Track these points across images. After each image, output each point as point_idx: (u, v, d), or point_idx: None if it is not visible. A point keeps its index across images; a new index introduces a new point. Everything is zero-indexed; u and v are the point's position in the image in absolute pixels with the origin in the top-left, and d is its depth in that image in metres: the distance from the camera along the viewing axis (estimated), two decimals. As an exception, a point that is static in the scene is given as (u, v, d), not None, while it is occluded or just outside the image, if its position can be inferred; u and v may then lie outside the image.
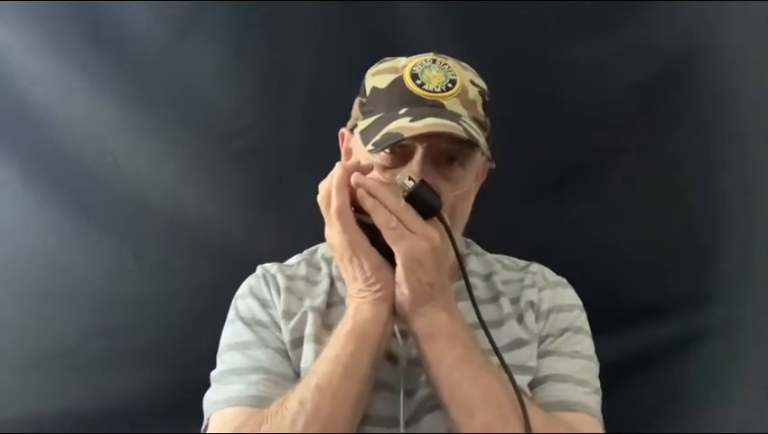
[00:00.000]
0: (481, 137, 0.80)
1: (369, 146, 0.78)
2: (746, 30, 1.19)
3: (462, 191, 0.84)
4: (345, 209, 0.74)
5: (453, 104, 0.82)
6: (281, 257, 1.00)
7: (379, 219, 0.73)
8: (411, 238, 0.73)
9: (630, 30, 1.20)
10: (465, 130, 0.77)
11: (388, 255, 0.76)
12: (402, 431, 0.79)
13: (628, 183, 1.22)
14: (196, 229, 1.21)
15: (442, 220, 0.76)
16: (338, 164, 0.77)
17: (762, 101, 1.19)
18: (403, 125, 0.77)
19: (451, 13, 1.18)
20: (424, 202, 0.75)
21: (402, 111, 0.80)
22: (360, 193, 0.74)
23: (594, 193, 1.22)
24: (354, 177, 0.75)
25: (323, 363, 0.75)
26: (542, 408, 0.79)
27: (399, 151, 0.81)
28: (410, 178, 0.75)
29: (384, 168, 0.82)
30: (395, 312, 0.78)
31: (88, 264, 1.20)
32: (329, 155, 0.96)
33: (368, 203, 0.74)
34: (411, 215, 0.74)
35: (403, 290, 0.75)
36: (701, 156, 1.21)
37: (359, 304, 0.77)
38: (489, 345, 0.77)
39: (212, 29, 1.19)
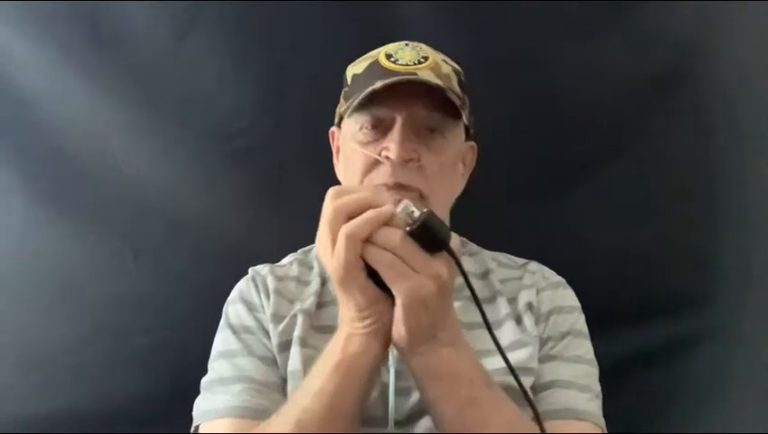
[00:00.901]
0: (456, 99, 0.82)
1: (347, 113, 0.82)
2: (746, 30, 1.19)
3: (444, 159, 0.84)
4: (358, 240, 0.63)
5: (426, 75, 0.83)
6: (281, 257, 1.00)
7: (376, 260, 0.63)
8: (414, 277, 0.63)
9: (630, 30, 1.20)
10: (437, 85, 0.79)
11: (386, 287, 0.66)
12: (394, 431, 0.78)
13: (628, 183, 1.22)
14: (196, 229, 1.21)
15: (452, 254, 0.65)
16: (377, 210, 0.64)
17: (762, 101, 1.19)
18: (377, 84, 0.80)
19: (451, 13, 1.18)
20: (431, 235, 0.63)
21: (378, 82, 0.81)
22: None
23: (594, 193, 1.21)
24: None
25: (306, 396, 0.70)
26: (547, 415, 0.79)
27: (380, 126, 0.82)
28: (414, 207, 0.64)
29: (366, 144, 0.83)
30: (388, 346, 0.70)
31: (88, 264, 1.20)
32: (329, 155, 0.97)
33: (366, 251, 0.63)
34: (412, 250, 0.63)
35: (400, 330, 0.67)
36: (701, 157, 1.21)
37: (350, 335, 0.69)
38: (489, 345, 0.74)
39: (212, 29, 1.19)
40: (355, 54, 0.94)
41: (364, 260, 0.64)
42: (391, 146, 0.80)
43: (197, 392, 0.87)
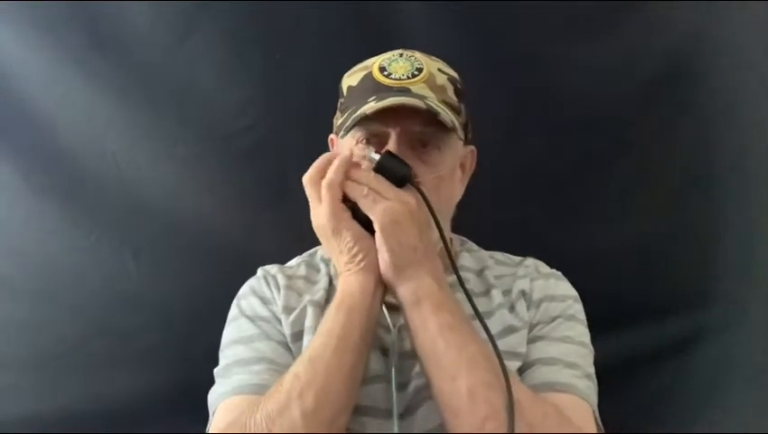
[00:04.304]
0: (449, 115, 0.82)
1: (341, 133, 0.83)
2: (746, 29, 1.19)
3: (440, 173, 0.85)
4: (336, 185, 0.77)
5: (419, 88, 0.84)
6: (281, 257, 1.00)
7: (354, 192, 0.77)
8: (385, 202, 0.76)
9: (630, 30, 1.20)
10: (428, 106, 0.79)
11: (370, 229, 0.77)
12: (396, 423, 0.79)
13: (628, 183, 1.22)
14: (196, 229, 1.21)
15: (416, 186, 0.78)
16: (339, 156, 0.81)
17: (762, 101, 1.19)
18: (368, 107, 0.80)
19: (451, 12, 1.18)
20: (393, 171, 0.78)
21: (370, 99, 0.82)
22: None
23: (594, 193, 1.21)
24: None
25: (317, 337, 0.77)
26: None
27: (374, 140, 0.83)
28: (376, 152, 0.79)
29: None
30: (383, 283, 0.79)
31: (88, 264, 1.20)
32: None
33: (345, 187, 0.78)
34: (383, 183, 0.77)
35: (383, 255, 0.76)
36: (701, 156, 1.21)
37: (346, 277, 0.79)
38: (481, 334, 0.76)
39: (212, 29, 1.19)
40: (355, 54, 0.93)
41: (347, 207, 0.78)
42: None
43: (197, 392, 0.86)
